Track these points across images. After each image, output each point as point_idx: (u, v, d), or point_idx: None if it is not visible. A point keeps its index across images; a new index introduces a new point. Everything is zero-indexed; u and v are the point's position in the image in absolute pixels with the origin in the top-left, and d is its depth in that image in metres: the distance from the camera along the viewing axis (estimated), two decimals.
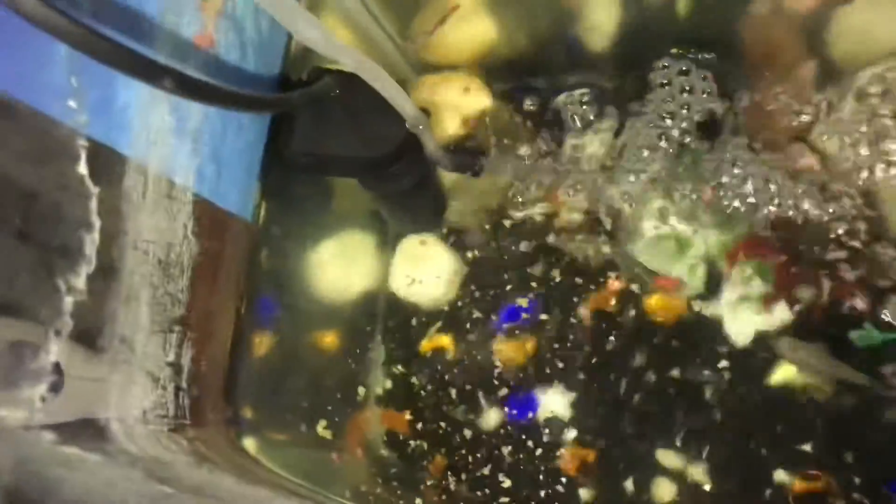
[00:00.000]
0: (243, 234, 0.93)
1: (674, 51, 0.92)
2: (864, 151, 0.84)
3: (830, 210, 0.84)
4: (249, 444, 0.95)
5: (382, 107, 0.88)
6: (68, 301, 0.68)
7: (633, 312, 0.89)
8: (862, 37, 0.87)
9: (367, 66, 0.79)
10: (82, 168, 0.69)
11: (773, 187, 0.86)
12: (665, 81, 0.92)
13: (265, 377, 0.99)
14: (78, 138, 0.68)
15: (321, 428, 0.95)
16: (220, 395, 0.92)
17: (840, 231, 0.84)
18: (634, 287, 0.89)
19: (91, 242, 0.70)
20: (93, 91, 0.69)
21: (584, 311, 0.91)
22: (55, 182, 0.66)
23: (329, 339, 0.99)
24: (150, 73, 0.61)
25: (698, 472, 0.84)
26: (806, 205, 0.85)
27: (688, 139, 0.90)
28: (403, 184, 0.95)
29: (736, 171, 0.88)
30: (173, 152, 0.79)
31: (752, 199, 0.87)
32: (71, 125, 0.67)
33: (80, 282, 0.69)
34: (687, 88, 0.91)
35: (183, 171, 0.81)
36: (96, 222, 0.70)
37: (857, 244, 0.83)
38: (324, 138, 0.92)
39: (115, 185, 0.73)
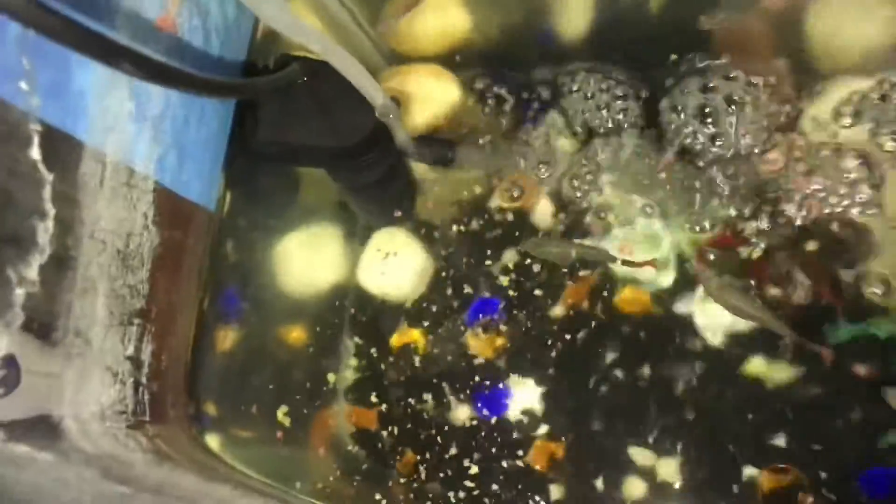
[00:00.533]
0: (206, 225, 0.90)
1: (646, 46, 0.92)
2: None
3: (802, 211, 0.84)
4: (212, 440, 0.92)
5: (351, 95, 0.86)
6: (19, 293, 0.64)
7: (604, 308, 0.88)
8: (834, 36, 0.88)
9: (336, 51, 0.77)
10: (35, 153, 0.65)
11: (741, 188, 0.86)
12: (635, 76, 0.92)
13: (230, 372, 0.96)
14: (30, 122, 0.65)
15: (281, 414, 0.93)
16: (183, 391, 0.89)
17: (810, 229, 0.84)
18: (606, 282, 0.88)
19: (44, 231, 0.67)
20: (46, 73, 0.66)
21: (556, 306, 0.89)
22: (5, 167, 0.63)
23: (296, 334, 0.97)
24: (106, 53, 0.58)
25: (668, 468, 0.83)
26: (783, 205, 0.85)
27: (657, 136, 0.90)
28: (372, 175, 0.93)
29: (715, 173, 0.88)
30: (132, 139, 0.76)
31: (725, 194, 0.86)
32: (22, 108, 0.64)
33: (31, 272, 0.66)
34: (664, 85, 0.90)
35: (143, 159, 0.78)
36: (50, 210, 0.67)
37: (828, 241, 0.83)
38: (290, 127, 0.89)
39: (71, 172, 0.70)
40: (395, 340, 0.93)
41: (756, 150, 0.86)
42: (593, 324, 0.88)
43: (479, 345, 0.91)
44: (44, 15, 0.52)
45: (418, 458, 0.90)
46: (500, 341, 0.90)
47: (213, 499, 0.70)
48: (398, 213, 0.96)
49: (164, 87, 0.71)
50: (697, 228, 0.87)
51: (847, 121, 0.84)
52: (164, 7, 0.79)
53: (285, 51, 0.92)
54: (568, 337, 0.88)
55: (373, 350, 0.94)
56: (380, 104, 0.85)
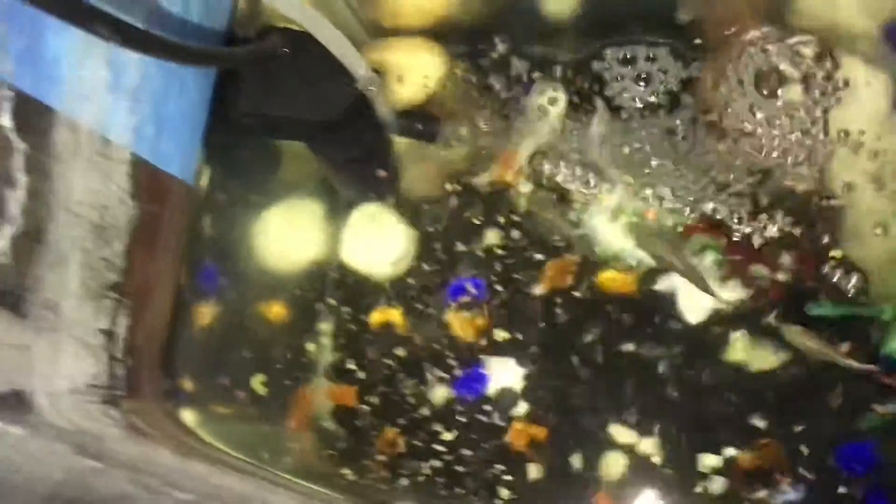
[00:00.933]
0: (185, 199, 0.89)
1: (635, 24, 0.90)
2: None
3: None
4: (189, 417, 0.91)
5: (334, 68, 0.84)
6: None
7: (587, 287, 0.88)
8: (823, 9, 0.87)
9: (316, 20, 0.76)
10: (6, 120, 0.64)
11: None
12: (627, 55, 0.90)
13: (208, 348, 0.95)
14: (2, 89, 0.63)
15: (258, 383, 0.92)
16: (159, 367, 0.88)
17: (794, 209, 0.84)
18: (588, 261, 0.88)
19: (15, 201, 0.65)
20: (19, 39, 0.64)
21: (538, 285, 0.89)
22: None
23: (276, 310, 0.96)
24: (80, 15, 0.56)
25: (648, 448, 0.83)
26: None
27: (646, 113, 0.89)
28: (354, 149, 0.92)
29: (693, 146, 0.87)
30: (109, 109, 0.74)
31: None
32: None
33: (2, 243, 0.64)
34: (651, 57, 0.89)
35: (120, 130, 0.76)
36: (21, 179, 0.66)
37: (809, 223, 0.83)
38: (271, 99, 0.88)
39: (44, 141, 0.68)
40: (376, 318, 0.93)
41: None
42: (575, 303, 0.87)
43: (461, 323, 0.91)
44: None
45: (397, 435, 0.89)
46: (481, 320, 0.90)
47: (187, 475, 0.69)
48: (380, 190, 0.95)
49: (140, 52, 0.68)
50: (687, 210, 0.87)
51: None
52: None
53: (268, 21, 0.90)
54: (550, 316, 0.88)
55: (353, 327, 0.93)
56: (362, 76, 0.83)
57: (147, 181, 0.80)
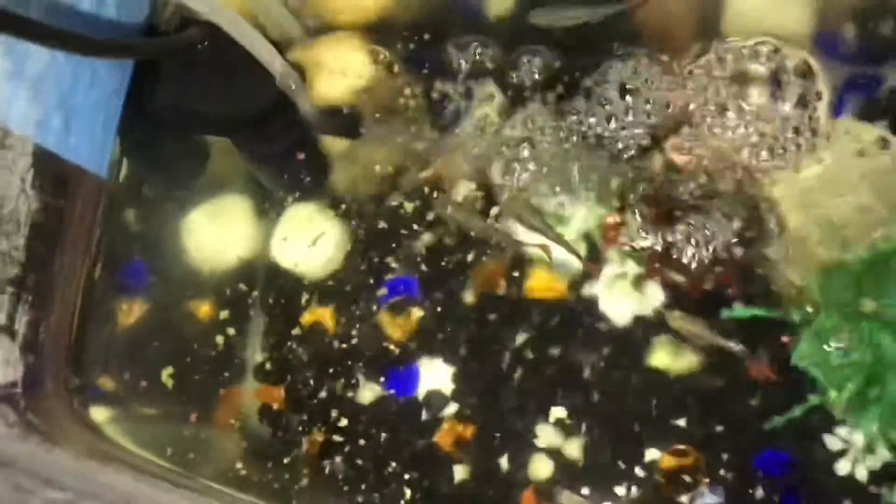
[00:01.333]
0: (97, 192, 0.87)
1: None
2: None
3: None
4: (102, 415, 0.89)
5: (255, 63, 0.83)
6: None
7: (516, 289, 0.87)
8: (754, 23, 0.88)
9: (226, 15, 0.74)
10: None
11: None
12: (560, 58, 0.91)
13: (130, 346, 0.93)
14: None
15: (179, 381, 0.91)
16: (65, 364, 0.86)
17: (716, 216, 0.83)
18: (518, 263, 0.87)
19: None
20: None
21: (468, 287, 0.88)
22: None
23: (205, 309, 0.94)
24: None
25: (574, 449, 0.82)
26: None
27: (575, 116, 0.88)
28: (276, 145, 0.91)
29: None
30: (8, 98, 0.73)
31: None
32: None
33: None
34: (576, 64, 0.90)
35: (21, 120, 0.75)
36: None
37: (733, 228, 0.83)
38: (190, 93, 0.86)
39: None
40: (306, 318, 0.91)
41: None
42: (504, 305, 0.87)
43: (391, 324, 0.89)
44: None
45: (325, 437, 0.88)
46: (412, 321, 0.89)
47: (78, 474, 0.68)
48: (307, 187, 0.94)
49: (40, 44, 0.67)
50: (605, 211, 0.86)
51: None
52: None
53: (190, 15, 0.89)
54: (481, 318, 0.87)
55: (283, 327, 0.91)
56: (279, 72, 0.82)
57: (52, 173, 0.79)
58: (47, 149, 0.78)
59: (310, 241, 0.91)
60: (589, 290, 0.85)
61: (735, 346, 0.79)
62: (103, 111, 0.86)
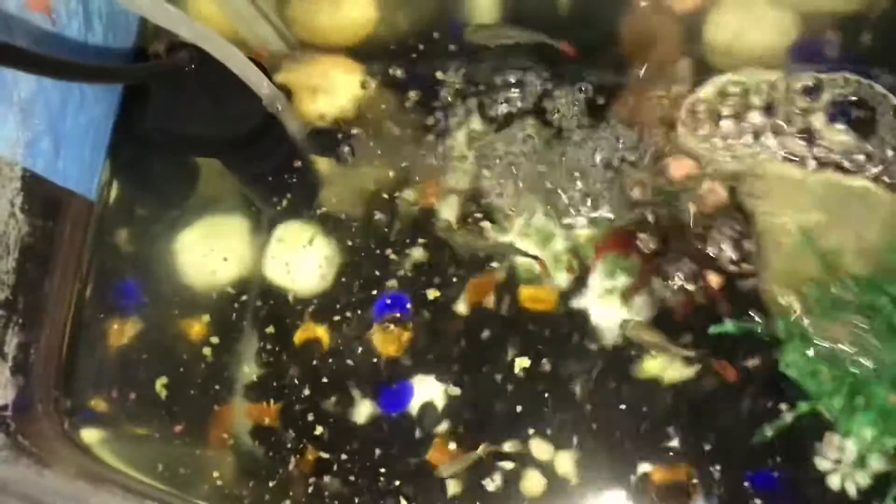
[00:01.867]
0: (85, 215, 0.88)
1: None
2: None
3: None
4: (93, 437, 0.89)
5: (243, 84, 0.84)
6: None
7: (508, 304, 0.87)
8: (734, 39, 0.90)
9: (211, 38, 0.75)
10: None
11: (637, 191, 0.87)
12: (542, 76, 0.92)
13: (123, 367, 0.93)
14: None
15: (157, 395, 0.91)
16: (55, 386, 0.86)
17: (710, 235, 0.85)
18: (510, 279, 0.88)
19: None
20: None
21: (460, 302, 0.88)
22: None
23: (197, 328, 0.94)
24: None
25: (566, 463, 0.82)
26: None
27: (561, 132, 0.90)
28: (265, 165, 0.91)
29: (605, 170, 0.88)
30: None
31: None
32: None
33: None
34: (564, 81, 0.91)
35: (9, 144, 0.75)
36: None
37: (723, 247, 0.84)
38: (179, 115, 0.87)
39: None
40: (299, 335, 0.91)
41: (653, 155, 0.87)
42: (496, 320, 0.87)
43: (384, 341, 0.90)
44: None
45: (319, 455, 0.88)
46: (404, 337, 0.89)
47: (65, 496, 0.68)
48: (297, 206, 0.94)
49: (24, 71, 0.68)
50: (594, 226, 0.87)
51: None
52: None
53: (176, 38, 0.90)
54: (473, 333, 0.87)
55: (276, 345, 0.91)
56: (265, 94, 0.83)
57: (41, 197, 0.79)
58: (36, 172, 0.79)
59: (301, 258, 0.92)
60: (580, 303, 0.86)
61: (691, 352, 0.80)
62: (92, 134, 0.86)
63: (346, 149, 0.93)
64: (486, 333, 0.87)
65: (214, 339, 0.92)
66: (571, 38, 0.93)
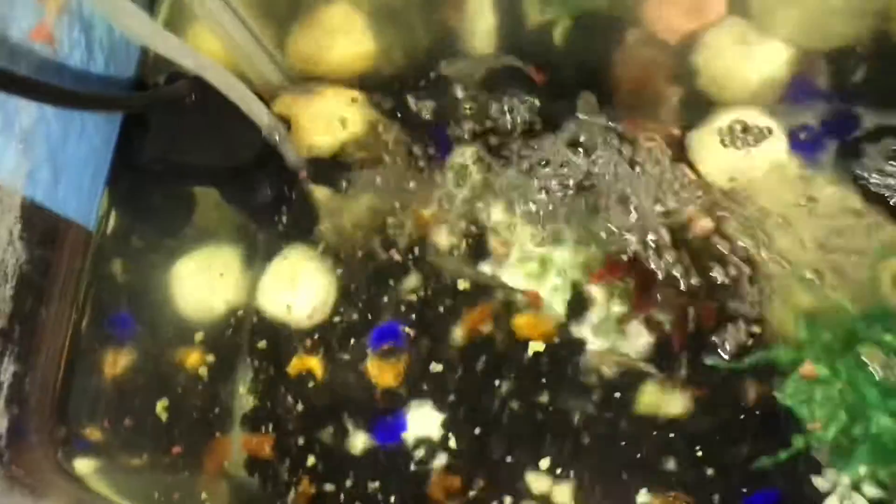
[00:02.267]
0: (83, 244, 0.88)
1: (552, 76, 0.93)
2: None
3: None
4: (88, 467, 0.89)
5: (242, 114, 0.85)
6: None
7: (503, 335, 0.87)
8: (724, 72, 0.91)
9: (212, 68, 0.76)
10: None
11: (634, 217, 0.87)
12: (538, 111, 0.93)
13: (117, 396, 0.93)
14: None
15: (152, 424, 0.90)
16: (50, 415, 0.86)
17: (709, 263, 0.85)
18: (504, 309, 0.88)
19: None
20: None
21: (456, 333, 0.88)
22: None
23: (192, 359, 0.94)
24: None
25: (564, 494, 0.82)
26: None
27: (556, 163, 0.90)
28: (264, 195, 0.92)
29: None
30: None
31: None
32: None
33: None
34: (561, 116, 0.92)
35: (10, 173, 0.76)
36: None
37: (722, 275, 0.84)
38: (179, 145, 0.88)
39: None
40: (294, 366, 0.91)
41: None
42: (492, 350, 0.87)
43: (380, 371, 0.89)
44: None
45: (314, 488, 0.87)
46: (400, 368, 0.89)
47: None
48: (294, 236, 0.95)
49: (25, 98, 0.69)
50: (589, 255, 0.87)
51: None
52: (40, 18, 0.78)
53: (178, 68, 0.91)
54: (469, 364, 0.87)
55: (271, 376, 0.91)
56: (265, 123, 0.84)
57: (40, 225, 0.80)
58: (36, 201, 0.79)
59: (297, 289, 0.92)
60: (576, 332, 0.86)
61: (652, 369, 0.81)
62: (92, 164, 0.87)
63: (343, 180, 0.94)
64: (482, 363, 0.87)
65: (208, 370, 0.92)
66: (565, 70, 0.94)
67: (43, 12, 0.78)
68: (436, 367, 0.88)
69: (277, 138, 0.86)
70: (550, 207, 0.89)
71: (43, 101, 0.69)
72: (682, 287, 0.84)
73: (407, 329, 0.89)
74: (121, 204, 0.94)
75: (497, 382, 0.86)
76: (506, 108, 0.94)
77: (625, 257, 0.86)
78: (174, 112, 0.87)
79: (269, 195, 0.92)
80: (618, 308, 0.85)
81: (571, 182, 0.90)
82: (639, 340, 0.84)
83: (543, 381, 0.85)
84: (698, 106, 0.90)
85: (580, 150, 0.90)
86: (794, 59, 0.91)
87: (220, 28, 0.97)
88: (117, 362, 0.94)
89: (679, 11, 0.94)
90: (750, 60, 0.90)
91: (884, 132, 0.86)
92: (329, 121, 0.96)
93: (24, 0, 0.75)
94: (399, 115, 0.95)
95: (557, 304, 0.87)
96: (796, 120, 0.88)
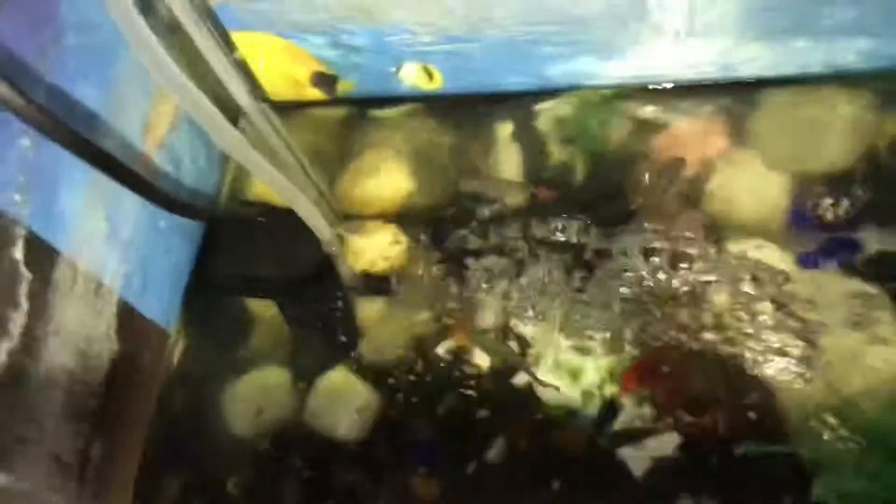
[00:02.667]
0: (162, 345, 0.99)
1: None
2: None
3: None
4: None
5: (301, 234, 0.98)
6: None
7: (542, 448, 0.92)
8: (727, 201, 1.00)
9: (285, 186, 0.91)
10: (17, 253, 0.76)
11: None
12: (564, 236, 1.02)
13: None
14: (18, 227, 0.76)
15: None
16: (129, 495, 0.92)
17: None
18: (543, 420, 0.93)
19: (15, 322, 0.76)
20: (38, 190, 0.79)
21: (494, 447, 0.93)
22: None
23: (239, 476, 0.98)
24: (92, 156, 0.72)
25: None
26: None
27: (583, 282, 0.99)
28: (318, 307, 1.03)
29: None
30: (104, 256, 0.88)
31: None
32: (13, 215, 0.75)
33: (1, 357, 0.74)
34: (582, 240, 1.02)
35: (111, 275, 0.89)
36: (24, 304, 0.77)
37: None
38: (248, 260, 1.02)
39: (47, 275, 0.80)
40: (338, 481, 0.94)
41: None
42: (531, 464, 0.91)
43: (422, 487, 0.93)
44: (47, 120, 0.66)
45: None
46: (440, 483, 0.92)
47: None
48: (341, 354, 1.01)
49: (134, 192, 0.83)
50: (619, 358, 0.94)
51: None
52: (143, 153, 0.94)
53: (246, 199, 1.07)
54: (508, 477, 0.91)
55: (317, 491, 0.95)
56: (325, 236, 0.97)
57: (130, 323, 0.91)
58: (128, 302, 0.91)
59: (343, 406, 0.98)
60: (608, 437, 0.90)
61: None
62: (174, 277, 1.01)
63: (384, 288, 1.03)
64: (526, 476, 0.91)
65: (259, 484, 0.96)
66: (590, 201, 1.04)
67: (145, 147, 0.94)
68: (475, 484, 0.91)
69: (335, 250, 0.99)
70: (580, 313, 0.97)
71: (142, 195, 0.84)
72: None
73: (446, 446, 0.94)
74: (192, 320, 1.05)
75: (540, 493, 0.89)
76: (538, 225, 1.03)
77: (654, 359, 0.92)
78: (244, 233, 1.02)
79: (322, 307, 1.03)
80: (648, 413, 0.90)
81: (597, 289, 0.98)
82: (669, 440, 0.88)
83: (583, 488, 0.89)
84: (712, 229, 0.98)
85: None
86: (797, 187, 0.98)
87: (286, 170, 1.12)
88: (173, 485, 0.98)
89: (684, 145, 1.04)
90: (751, 191, 0.99)
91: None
92: (373, 249, 1.06)
93: (132, 135, 0.92)
94: (436, 241, 1.05)
95: (590, 410, 0.91)
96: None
